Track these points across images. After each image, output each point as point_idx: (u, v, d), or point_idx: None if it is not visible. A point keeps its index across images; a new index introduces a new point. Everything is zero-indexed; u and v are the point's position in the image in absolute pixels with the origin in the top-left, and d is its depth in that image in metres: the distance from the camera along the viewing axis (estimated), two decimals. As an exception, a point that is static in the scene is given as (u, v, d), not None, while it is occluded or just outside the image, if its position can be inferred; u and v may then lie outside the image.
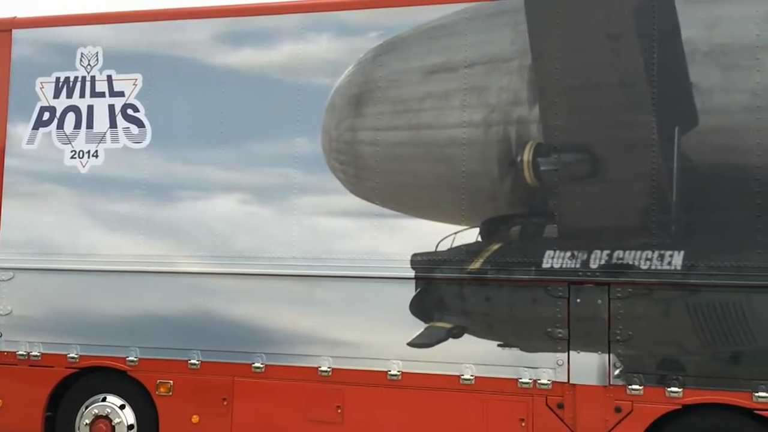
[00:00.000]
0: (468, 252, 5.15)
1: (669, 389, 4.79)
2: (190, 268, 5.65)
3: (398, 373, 5.26)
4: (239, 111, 5.64)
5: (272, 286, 5.50)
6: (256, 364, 5.52)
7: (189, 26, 5.80)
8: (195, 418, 5.63)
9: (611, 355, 4.90)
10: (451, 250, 5.18)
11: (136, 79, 5.88)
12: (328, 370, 5.40)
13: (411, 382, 5.23)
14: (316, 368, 5.41)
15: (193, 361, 5.65)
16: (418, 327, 5.24)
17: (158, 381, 5.70)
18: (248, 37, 5.71)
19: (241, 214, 5.61)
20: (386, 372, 5.28)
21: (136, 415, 5.76)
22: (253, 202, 5.61)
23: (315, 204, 5.47)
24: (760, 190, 4.67)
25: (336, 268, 5.38)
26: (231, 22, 5.76)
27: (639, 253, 4.85)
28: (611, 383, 4.91)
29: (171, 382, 5.68)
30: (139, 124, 5.89)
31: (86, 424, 5.80)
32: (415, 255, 5.24)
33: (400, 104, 5.35)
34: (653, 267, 4.82)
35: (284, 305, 5.48)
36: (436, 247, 5.20)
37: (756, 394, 4.66)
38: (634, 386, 4.86)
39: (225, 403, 5.57)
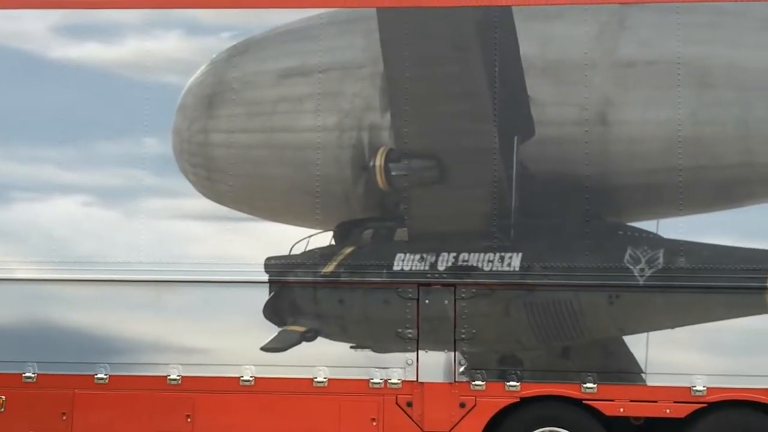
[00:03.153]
0: (322, 255, 5.83)
1: (508, 383, 5.72)
2: (25, 275, 5.91)
3: (251, 379, 5.84)
4: (81, 108, 5.98)
5: (117, 293, 5.90)
6: (99, 375, 5.88)
7: (25, 16, 6.08)
8: (30, 435, 5.92)
9: (456, 353, 5.76)
10: (305, 253, 5.85)
11: (-36, 70, 6.08)
12: (178, 378, 5.87)
13: (264, 387, 5.81)
14: (165, 377, 5.85)
15: (28, 374, 5.90)
16: (271, 331, 5.84)
17: (-12, 397, 5.94)
18: (90, 31, 6.07)
19: (83, 216, 5.96)
20: (239, 378, 5.83)
21: (-39, 435, 5.96)
22: (97, 204, 5.98)
23: (164, 207, 5.93)
24: (588, 197, 5.73)
25: (186, 273, 5.86)
26: (71, 14, 6.09)
27: (482, 255, 5.76)
28: (456, 380, 5.77)
29: (3, 397, 5.90)
30: (-33, 118, 6.08)
31: None
32: (268, 259, 5.85)
33: (253, 106, 5.96)
34: (494, 268, 5.75)
35: (130, 312, 5.89)
36: (290, 250, 5.85)
37: (584, 385, 5.67)
38: (477, 382, 5.75)
39: (64, 417, 5.88)
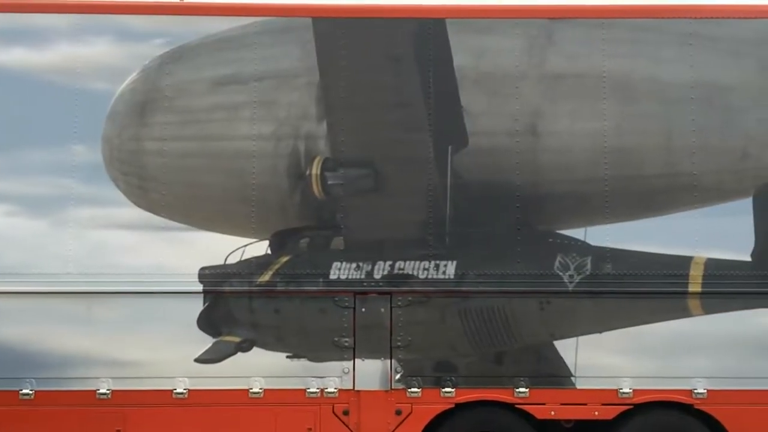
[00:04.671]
0: (257, 265, 5.93)
1: (443, 390, 5.93)
2: (-54, 287, 5.81)
3: (185, 391, 5.88)
4: (8, 114, 5.94)
5: (44, 305, 5.85)
6: (25, 391, 5.81)
7: (-54, 19, 6.03)
8: (-51, 456, 5.81)
9: (393, 360, 5.95)
10: (240, 263, 5.95)
11: None
12: (108, 392, 5.85)
13: (198, 399, 5.86)
14: (94, 391, 5.84)
15: (-52, 391, 5.82)
16: (206, 342, 5.90)
17: None
18: (17, 35, 6.05)
19: (7, 227, 5.90)
20: (172, 390, 5.86)
21: None
22: (23, 214, 5.93)
23: (94, 216, 5.93)
24: (519, 206, 6.03)
25: (117, 284, 5.86)
26: (-4, 17, 6.09)
27: (418, 263, 5.98)
28: (393, 387, 5.95)
29: None
30: None
31: None
32: (203, 269, 5.92)
33: (187, 114, 6.04)
34: (430, 276, 5.97)
35: (58, 325, 5.85)
36: (225, 260, 5.94)
37: (517, 390, 5.95)
38: (413, 389, 5.94)
39: (-14, 436, 5.84)
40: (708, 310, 5.99)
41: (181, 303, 5.90)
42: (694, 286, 5.98)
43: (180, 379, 5.89)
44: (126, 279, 5.89)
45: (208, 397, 5.88)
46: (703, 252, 6.01)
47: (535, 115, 6.09)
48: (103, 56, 6.07)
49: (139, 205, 5.98)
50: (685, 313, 6.00)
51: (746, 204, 6.06)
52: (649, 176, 6.10)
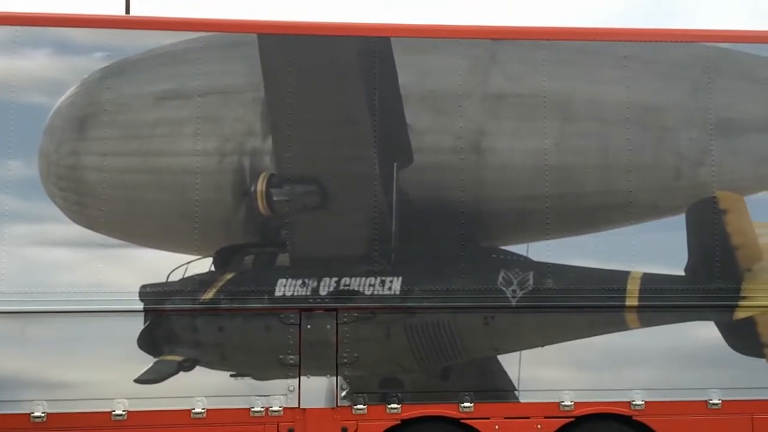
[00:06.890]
0: (201, 282, 5.85)
1: (389, 406, 5.96)
2: None
3: (124, 413, 5.73)
4: (-64, 127, 5.76)
5: (-25, 326, 5.66)
6: (-46, 416, 5.61)
7: None
8: None
9: (339, 377, 5.95)
10: (183, 280, 5.85)
11: None
12: (43, 415, 5.66)
13: (138, 421, 5.73)
14: (29, 414, 5.64)
15: None
16: (146, 362, 5.78)
17: None
18: (-51, 46, 5.88)
19: (-64, 244, 5.69)
20: (110, 412, 5.72)
21: None
22: (-47, 230, 5.73)
23: (29, 233, 5.76)
24: (464, 222, 6.12)
25: (53, 303, 5.70)
26: (-74, 27, 5.87)
27: (363, 279, 6.00)
28: (338, 405, 5.94)
29: None
30: None
31: None
32: (144, 286, 5.80)
33: (129, 129, 5.92)
34: (376, 292, 5.99)
35: (-10, 346, 5.67)
36: (168, 277, 5.84)
37: (462, 405, 6.02)
38: (358, 406, 5.94)
39: None
40: (645, 324, 6.18)
41: (121, 322, 5.77)
42: (631, 300, 6.16)
43: (119, 400, 5.75)
44: (62, 298, 5.73)
45: (148, 419, 5.76)
46: (639, 267, 6.20)
47: (479, 132, 6.20)
48: (40, 69, 5.92)
49: (78, 222, 5.83)
50: (623, 326, 6.18)
51: (680, 220, 6.29)
52: (588, 193, 6.27)
